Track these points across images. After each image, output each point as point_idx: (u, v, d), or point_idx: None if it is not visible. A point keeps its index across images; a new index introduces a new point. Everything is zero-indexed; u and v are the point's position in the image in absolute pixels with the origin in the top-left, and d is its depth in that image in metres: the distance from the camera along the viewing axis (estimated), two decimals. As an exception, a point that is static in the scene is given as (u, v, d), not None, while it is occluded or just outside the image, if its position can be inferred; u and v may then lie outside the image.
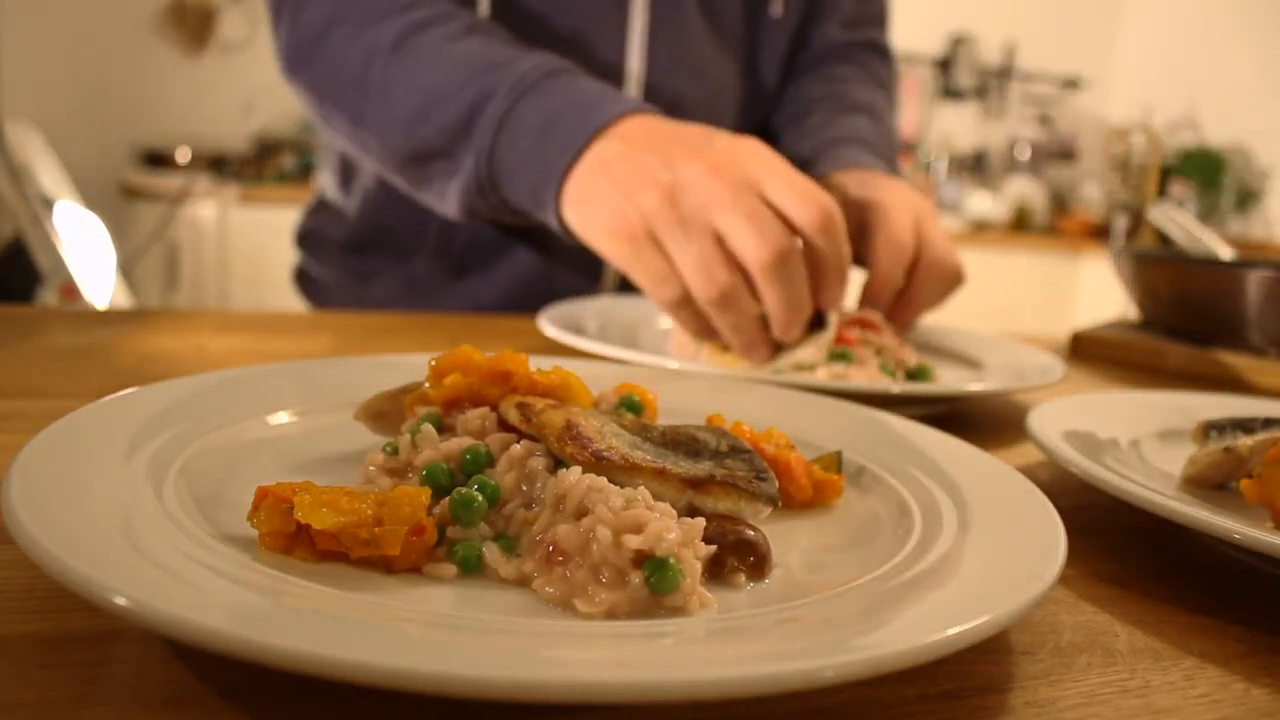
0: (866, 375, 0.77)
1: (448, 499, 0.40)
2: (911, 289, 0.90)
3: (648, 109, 0.82)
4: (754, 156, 0.76)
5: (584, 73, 0.88)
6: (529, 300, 1.09)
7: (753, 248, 0.71)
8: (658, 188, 0.74)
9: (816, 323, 0.75)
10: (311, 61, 0.96)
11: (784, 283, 0.73)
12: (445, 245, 1.13)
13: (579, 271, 1.14)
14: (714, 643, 0.33)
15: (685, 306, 0.77)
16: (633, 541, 0.36)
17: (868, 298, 0.88)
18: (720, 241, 0.73)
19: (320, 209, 1.25)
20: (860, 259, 0.90)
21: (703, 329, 0.79)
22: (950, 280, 0.91)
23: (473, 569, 0.38)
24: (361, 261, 1.19)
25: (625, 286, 1.17)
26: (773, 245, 0.71)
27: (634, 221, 0.75)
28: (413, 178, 0.95)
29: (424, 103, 0.89)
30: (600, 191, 0.78)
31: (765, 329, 0.77)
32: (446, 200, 0.93)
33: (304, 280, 1.28)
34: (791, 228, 0.74)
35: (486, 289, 1.14)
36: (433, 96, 0.88)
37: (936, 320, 1.03)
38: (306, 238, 1.26)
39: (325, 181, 1.24)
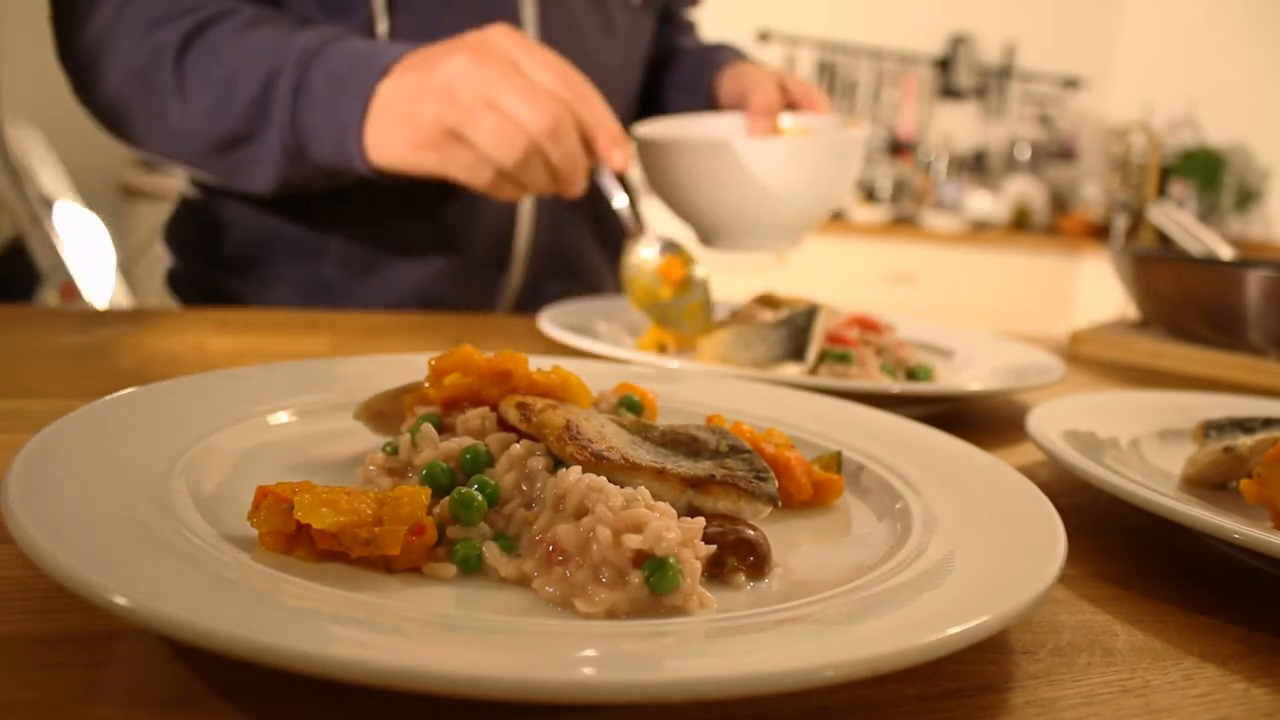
0: (866, 375, 0.77)
1: (448, 499, 0.40)
2: (792, 89, 1.10)
3: (417, 46, 0.89)
4: (505, 38, 0.86)
5: (357, 35, 0.94)
6: (439, 295, 1.11)
7: (532, 119, 0.82)
8: (434, 93, 0.83)
9: (796, 352, 0.75)
10: (99, 74, 0.97)
11: (561, 142, 0.84)
12: (353, 244, 1.11)
13: (488, 261, 1.15)
14: (714, 643, 0.33)
15: (503, 180, 0.87)
16: (633, 541, 0.36)
17: (762, 105, 1.06)
18: (504, 114, 0.83)
19: (189, 215, 1.20)
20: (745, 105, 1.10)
21: (518, 193, 0.89)
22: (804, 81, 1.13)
23: (473, 569, 0.38)
24: (253, 270, 1.14)
25: (535, 268, 1.19)
26: (547, 113, 0.82)
27: (428, 129, 0.84)
28: (222, 166, 0.98)
29: (220, 92, 0.92)
30: (391, 123, 0.86)
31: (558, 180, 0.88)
32: (258, 178, 0.97)
33: (178, 282, 1.22)
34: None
35: (395, 286, 1.12)
36: (227, 84, 0.92)
37: (937, 320, 1.03)
38: (179, 242, 1.22)
39: (189, 190, 1.20)
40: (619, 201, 0.93)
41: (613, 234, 1.30)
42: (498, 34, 0.87)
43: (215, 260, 1.15)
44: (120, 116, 1.00)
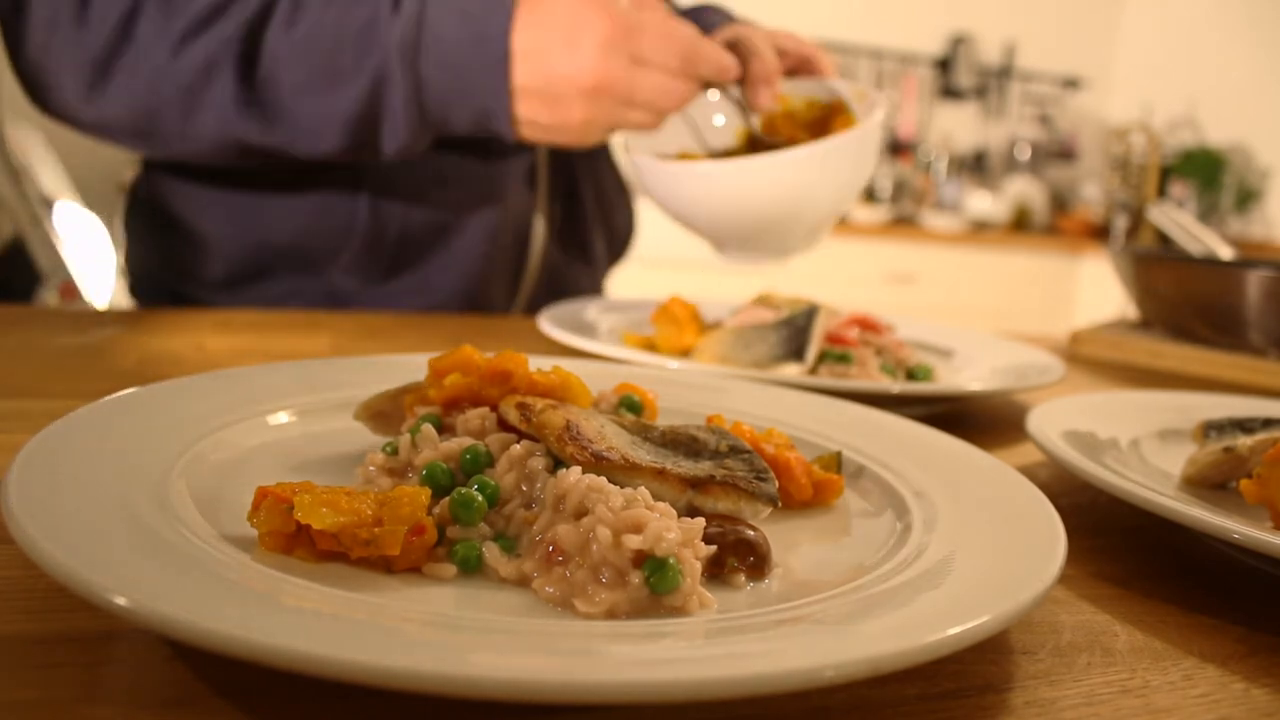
0: (866, 375, 0.77)
1: (448, 499, 0.40)
2: (791, 51, 1.06)
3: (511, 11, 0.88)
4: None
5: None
6: (457, 300, 1.09)
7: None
8: (580, 94, 0.87)
9: (796, 353, 0.75)
10: (104, 91, 0.90)
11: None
12: (373, 248, 1.06)
13: (506, 267, 1.14)
14: (714, 643, 0.33)
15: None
16: (633, 541, 0.36)
17: (761, 75, 0.99)
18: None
19: (156, 224, 1.10)
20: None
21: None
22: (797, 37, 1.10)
23: (473, 569, 0.38)
24: (251, 286, 1.07)
25: (553, 265, 1.18)
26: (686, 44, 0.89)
27: (616, 21, 0.86)
28: (332, 157, 0.95)
29: (314, 100, 0.89)
30: (546, 110, 0.88)
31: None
32: (378, 159, 0.96)
33: (147, 293, 1.15)
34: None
35: (411, 292, 1.09)
36: (319, 91, 0.89)
37: (937, 320, 1.03)
38: (149, 257, 1.13)
39: (151, 195, 1.10)
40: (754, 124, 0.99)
41: (617, 226, 1.31)
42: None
43: (200, 278, 1.08)
44: (153, 135, 0.93)
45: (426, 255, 1.09)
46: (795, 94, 1.03)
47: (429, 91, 0.89)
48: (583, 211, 1.22)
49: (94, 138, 0.99)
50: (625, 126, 0.91)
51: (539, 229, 1.16)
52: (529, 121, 0.90)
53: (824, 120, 1.01)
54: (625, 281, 1.47)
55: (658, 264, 3.14)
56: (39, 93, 0.94)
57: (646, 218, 1.38)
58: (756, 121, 1.02)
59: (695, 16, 1.22)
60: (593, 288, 1.29)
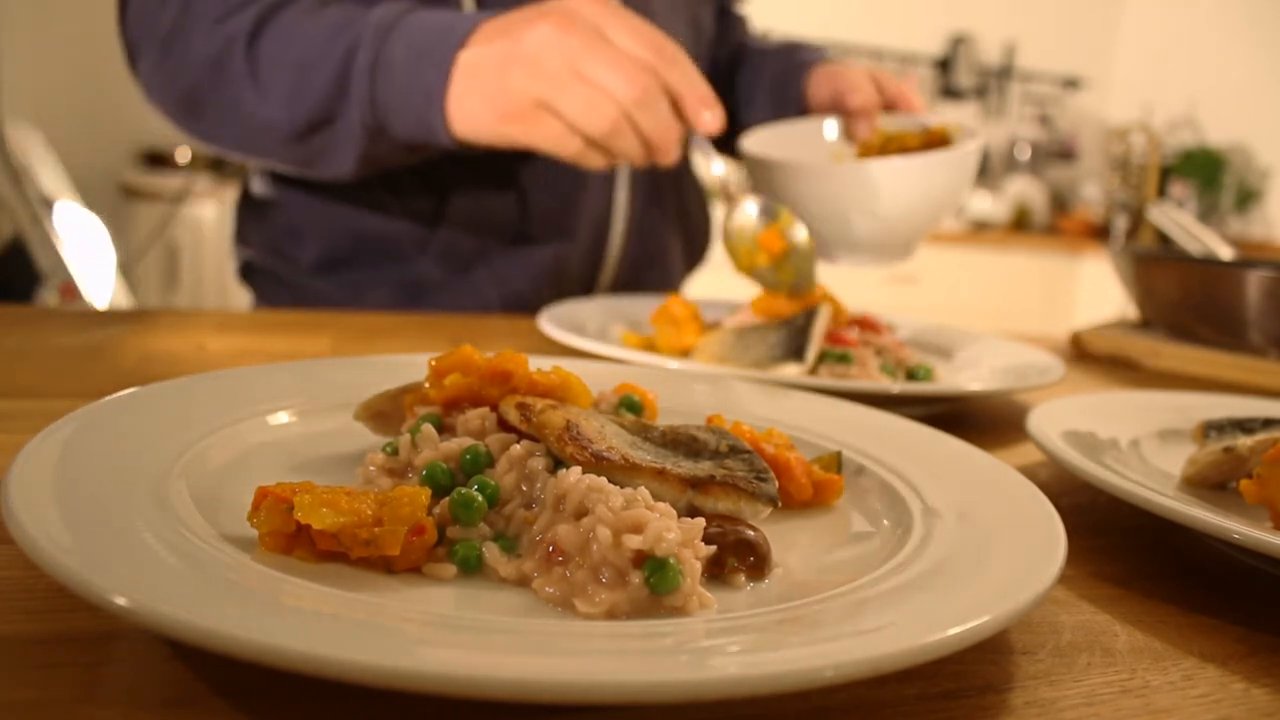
0: (866, 375, 0.77)
1: (448, 499, 0.40)
2: (887, 87, 1.10)
3: (494, 14, 0.88)
4: (588, 4, 0.84)
5: (432, 7, 0.93)
6: (537, 294, 1.10)
7: (622, 88, 0.81)
8: (520, 63, 0.82)
9: (795, 353, 0.75)
10: (170, 71, 0.96)
11: (652, 110, 0.83)
12: (455, 240, 1.10)
13: (586, 258, 1.15)
14: (714, 643, 0.33)
15: (589, 149, 0.86)
16: (633, 541, 0.36)
17: (860, 107, 1.06)
18: (592, 84, 0.81)
19: (266, 214, 1.17)
20: (840, 110, 1.11)
21: (607, 161, 0.88)
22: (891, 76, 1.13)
23: (473, 569, 0.38)
24: (341, 272, 1.13)
25: (626, 265, 1.20)
26: (636, 81, 0.81)
27: (516, 99, 0.83)
28: (301, 153, 0.97)
29: (296, 76, 0.91)
30: (476, 94, 0.85)
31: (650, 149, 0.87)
32: (339, 163, 0.96)
33: (256, 277, 1.20)
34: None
35: (495, 283, 1.12)
36: (302, 67, 0.90)
37: (936, 320, 1.03)
38: (256, 242, 1.18)
39: (265, 189, 1.17)
40: (716, 168, 0.90)
41: (694, 232, 1.32)
42: (581, 0, 0.85)
43: (297, 261, 1.14)
44: (194, 112, 0.98)
45: (507, 249, 1.11)
46: (892, 127, 1.07)
47: (384, 72, 0.88)
48: (662, 215, 1.23)
49: (168, 119, 1.03)
50: (565, 106, 0.82)
51: (617, 230, 1.17)
52: (462, 96, 0.85)
53: (930, 147, 1.04)
54: (700, 285, 1.48)
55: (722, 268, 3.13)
56: (132, 66, 1.01)
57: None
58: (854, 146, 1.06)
59: (789, 54, 1.25)
60: (670, 291, 1.29)
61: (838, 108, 1.11)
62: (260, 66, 0.92)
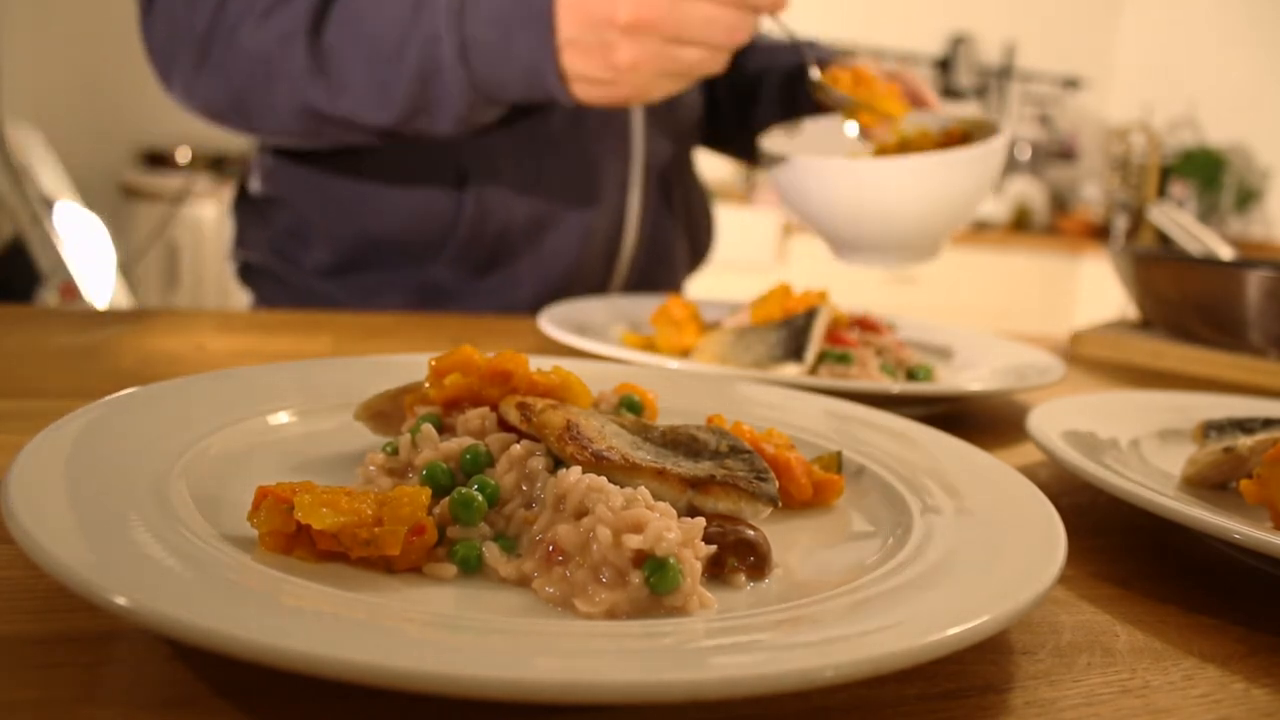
0: (866, 375, 0.77)
1: (448, 499, 0.40)
2: (904, 84, 1.09)
3: None
4: None
5: None
6: (552, 296, 1.10)
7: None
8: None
9: (795, 353, 0.75)
10: (213, 75, 0.95)
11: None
12: (473, 244, 1.09)
13: (599, 259, 1.16)
14: (714, 643, 0.33)
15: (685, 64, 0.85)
16: (633, 541, 0.36)
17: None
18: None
19: (268, 213, 1.15)
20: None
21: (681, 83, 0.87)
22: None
23: (473, 569, 0.38)
24: (353, 275, 1.11)
25: (638, 268, 1.20)
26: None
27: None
28: (390, 134, 0.95)
29: (375, 73, 0.89)
30: (585, 52, 0.84)
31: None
32: (437, 130, 0.94)
33: (256, 278, 1.19)
34: None
35: (512, 286, 1.11)
36: (380, 63, 0.89)
37: (937, 320, 1.03)
38: (259, 243, 1.17)
39: (267, 188, 1.15)
40: (814, 74, 0.99)
41: (698, 231, 1.33)
42: None
43: (303, 264, 1.12)
44: (246, 112, 0.97)
45: (521, 253, 1.11)
46: (912, 125, 1.06)
47: (476, 52, 0.86)
48: (671, 218, 1.24)
49: (206, 120, 1.02)
50: (682, 69, 0.84)
51: (630, 232, 1.18)
52: (578, 77, 0.85)
53: (956, 143, 1.03)
54: (701, 285, 1.48)
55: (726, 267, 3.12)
56: (164, 78, 1.00)
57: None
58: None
59: (799, 52, 1.24)
60: (673, 291, 1.30)
61: None
62: (329, 62, 0.91)
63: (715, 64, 0.85)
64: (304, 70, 0.91)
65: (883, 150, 1.05)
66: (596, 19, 0.82)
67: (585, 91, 0.86)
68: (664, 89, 0.87)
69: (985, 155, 0.95)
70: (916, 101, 1.08)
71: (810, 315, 0.79)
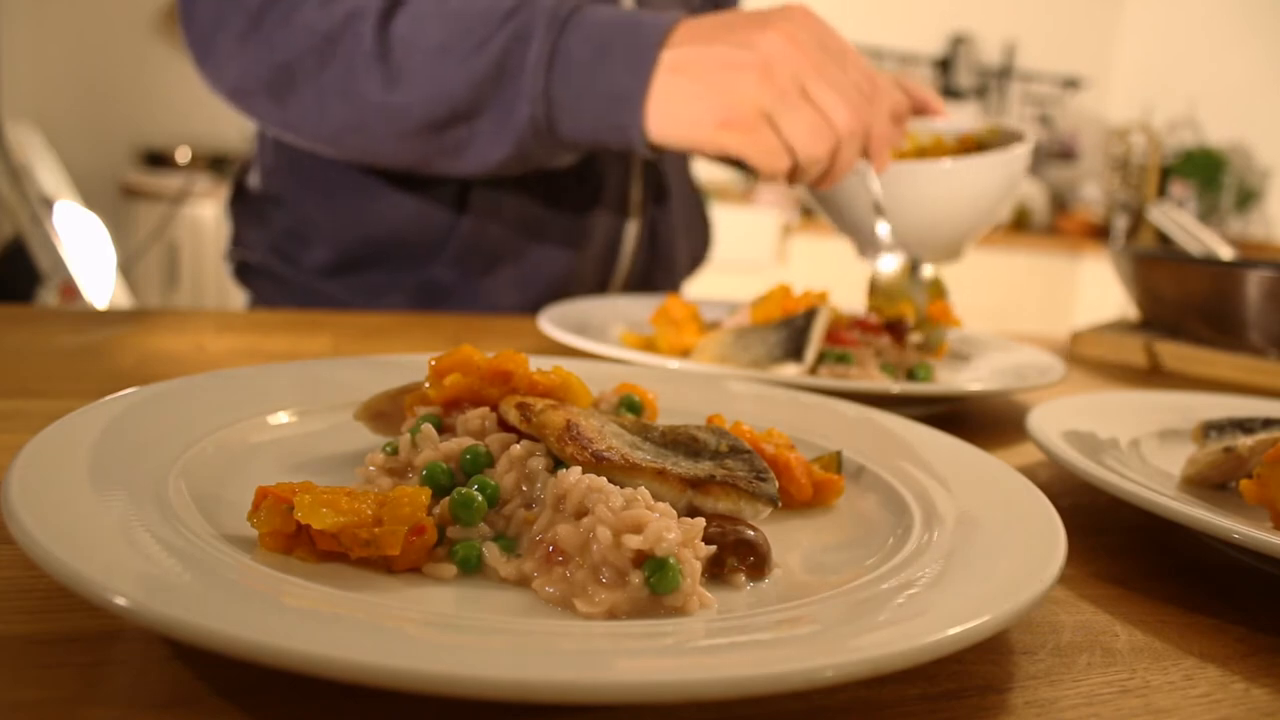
0: (866, 375, 0.77)
1: (448, 499, 0.40)
2: (914, 92, 1.05)
3: (682, 15, 0.85)
4: (810, 20, 0.83)
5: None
6: (552, 298, 1.10)
7: (843, 119, 0.81)
8: (750, 69, 0.79)
9: (795, 353, 0.75)
10: (259, 47, 0.91)
11: (854, 145, 0.83)
12: (473, 244, 1.08)
13: (599, 262, 1.16)
14: (714, 643, 0.33)
15: (789, 170, 0.84)
16: (633, 541, 0.36)
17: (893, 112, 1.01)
18: (818, 108, 0.81)
19: (267, 211, 1.14)
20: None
21: (785, 178, 0.86)
22: None
23: (473, 569, 0.38)
24: (353, 274, 1.11)
25: (638, 269, 1.20)
26: (857, 116, 0.81)
27: (744, 107, 0.80)
28: (432, 146, 0.92)
29: (441, 63, 0.86)
30: (690, 95, 0.82)
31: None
32: (479, 158, 0.91)
33: (253, 278, 1.18)
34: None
35: (510, 287, 1.11)
36: (450, 52, 0.86)
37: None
38: (259, 243, 1.15)
39: (267, 185, 1.13)
40: (882, 229, 0.95)
41: (696, 232, 1.33)
42: (801, 14, 0.82)
43: (303, 263, 1.11)
44: (283, 95, 0.92)
45: (522, 253, 1.10)
46: (925, 134, 1.09)
47: (563, 63, 0.83)
48: (670, 220, 1.24)
49: (229, 100, 0.98)
50: (789, 123, 0.80)
51: (630, 233, 1.18)
52: (671, 97, 0.81)
53: (973, 151, 1.05)
54: (701, 285, 1.49)
55: (723, 267, 3.12)
56: (200, 44, 0.95)
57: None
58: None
59: None
60: (672, 291, 1.30)
61: None
62: (393, 49, 0.87)
63: (823, 148, 0.82)
64: (365, 54, 0.88)
65: (900, 157, 1.06)
66: (716, 55, 0.80)
67: (663, 126, 0.83)
68: (762, 155, 0.83)
69: (1012, 160, 0.97)
70: (924, 109, 1.07)
71: (810, 315, 0.79)
